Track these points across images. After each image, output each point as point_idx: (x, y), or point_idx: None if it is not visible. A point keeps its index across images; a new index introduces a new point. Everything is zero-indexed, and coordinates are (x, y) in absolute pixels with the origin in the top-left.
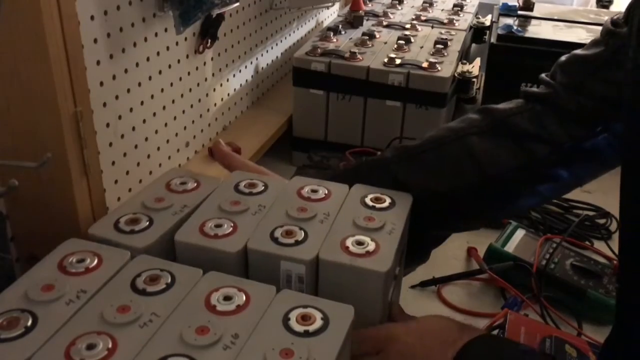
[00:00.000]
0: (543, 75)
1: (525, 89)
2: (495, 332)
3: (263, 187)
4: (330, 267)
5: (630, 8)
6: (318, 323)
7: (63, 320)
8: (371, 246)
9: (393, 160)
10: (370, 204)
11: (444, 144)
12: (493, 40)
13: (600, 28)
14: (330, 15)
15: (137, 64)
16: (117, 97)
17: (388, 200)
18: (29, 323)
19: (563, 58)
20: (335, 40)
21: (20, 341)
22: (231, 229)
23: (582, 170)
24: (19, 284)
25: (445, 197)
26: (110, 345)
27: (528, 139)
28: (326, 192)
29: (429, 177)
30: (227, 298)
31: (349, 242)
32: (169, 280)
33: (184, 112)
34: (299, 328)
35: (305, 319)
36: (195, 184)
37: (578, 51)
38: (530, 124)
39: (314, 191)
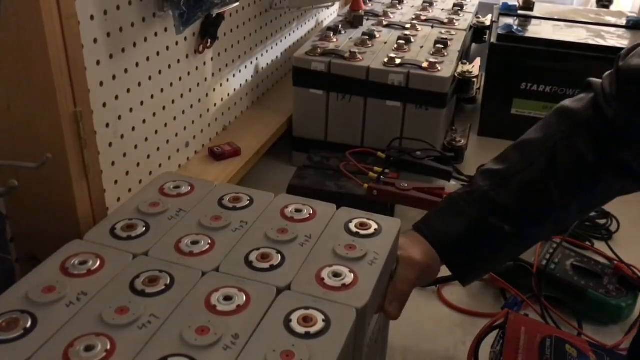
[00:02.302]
0: None
1: None
2: (495, 332)
3: (248, 202)
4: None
5: None
6: (319, 325)
7: (62, 322)
8: (349, 278)
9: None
10: (354, 229)
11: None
12: (493, 40)
13: (600, 28)
14: (330, 15)
15: (137, 64)
16: (117, 97)
17: (374, 227)
18: (29, 324)
19: None
20: (335, 40)
21: (19, 342)
22: (208, 246)
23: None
24: (20, 285)
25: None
26: (108, 347)
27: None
28: (311, 212)
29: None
30: (228, 298)
31: (324, 274)
32: (168, 282)
33: (183, 112)
34: (300, 329)
35: (306, 320)
36: (190, 188)
37: None
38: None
39: (298, 211)
